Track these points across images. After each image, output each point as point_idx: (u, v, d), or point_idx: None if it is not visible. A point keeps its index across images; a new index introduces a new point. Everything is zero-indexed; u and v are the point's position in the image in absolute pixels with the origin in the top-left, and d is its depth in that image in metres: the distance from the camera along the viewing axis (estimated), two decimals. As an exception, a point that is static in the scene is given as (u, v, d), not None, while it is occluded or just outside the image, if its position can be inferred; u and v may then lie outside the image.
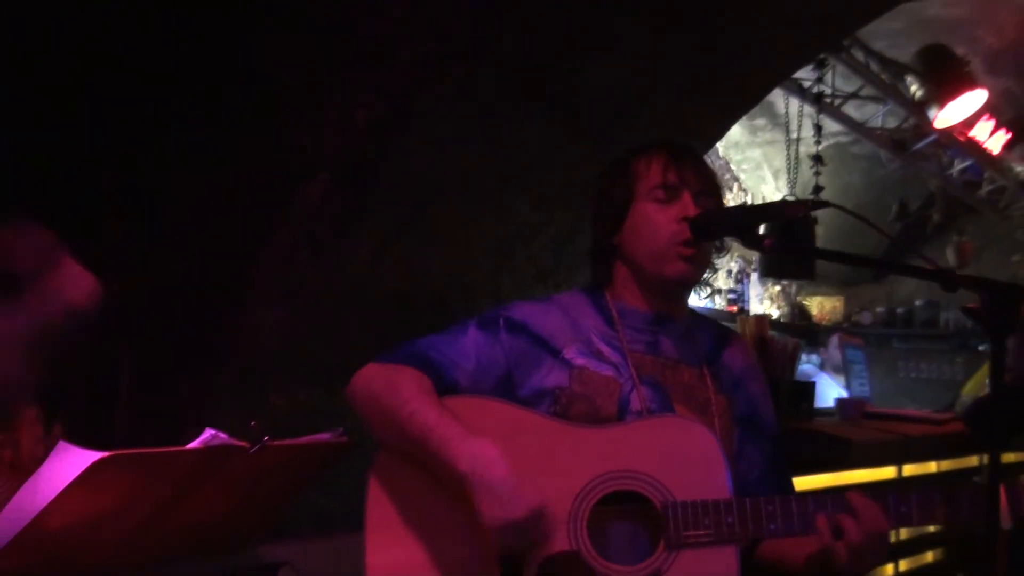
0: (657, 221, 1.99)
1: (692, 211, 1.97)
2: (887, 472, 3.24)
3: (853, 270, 8.27)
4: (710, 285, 2.13)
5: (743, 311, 7.37)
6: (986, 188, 7.10)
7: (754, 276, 8.16)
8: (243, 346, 2.95)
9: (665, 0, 2.95)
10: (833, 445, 3.06)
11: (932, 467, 3.41)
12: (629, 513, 1.84)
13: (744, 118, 7.30)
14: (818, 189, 4.95)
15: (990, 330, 1.47)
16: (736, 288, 7.85)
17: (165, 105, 2.78)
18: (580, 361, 1.98)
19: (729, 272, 7.23)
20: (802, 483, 2.89)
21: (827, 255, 1.96)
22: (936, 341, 8.08)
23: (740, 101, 3.57)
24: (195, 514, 1.84)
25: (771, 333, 3.27)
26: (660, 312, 2.05)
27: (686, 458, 1.84)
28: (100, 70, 2.84)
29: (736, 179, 7.96)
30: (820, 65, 4.81)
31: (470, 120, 2.98)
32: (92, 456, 1.57)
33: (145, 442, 2.46)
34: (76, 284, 0.76)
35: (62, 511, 1.61)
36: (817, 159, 5.07)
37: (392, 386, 1.88)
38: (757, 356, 2.41)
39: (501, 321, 2.01)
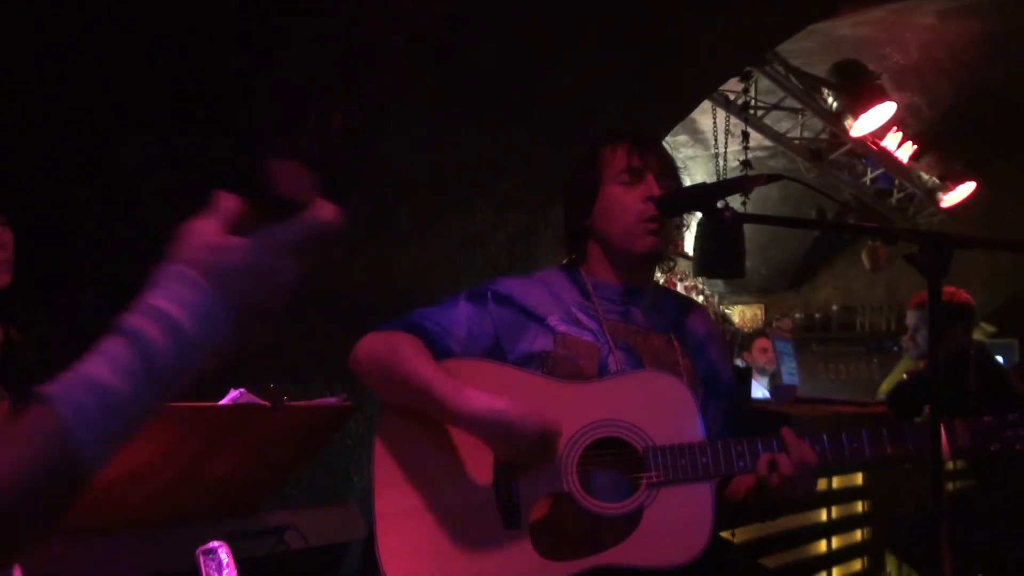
0: (625, 202, 2.22)
1: (656, 191, 2.20)
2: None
3: (771, 279, 8.68)
4: (673, 260, 2.33)
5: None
6: (896, 196, 7.57)
7: (679, 286, 8.50)
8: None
9: (615, 21, 3.22)
10: (773, 420, 3.33)
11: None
12: (614, 457, 2.06)
13: (667, 135, 7.68)
14: (745, 202, 5.31)
15: (926, 274, 1.73)
16: (664, 298, 8.15)
17: (153, 110, 2.95)
18: (562, 328, 2.20)
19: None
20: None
21: (782, 222, 2.21)
22: (853, 344, 8.52)
23: (681, 106, 3.87)
24: (221, 471, 2.01)
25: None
26: (630, 285, 2.28)
27: (663, 407, 2.07)
28: (86, 79, 3.00)
29: (685, 170, 8.33)
30: (746, 78, 5.14)
31: (440, 126, 3.20)
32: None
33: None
34: (326, 208, 0.97)
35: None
36: (746, 164, 5.41)
37: (393, 348, 2.07)
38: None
39: (489, 294, 2.22)
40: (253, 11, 2.86)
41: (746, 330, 9.01)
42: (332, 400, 2.15)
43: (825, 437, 2.06)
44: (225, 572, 1.90)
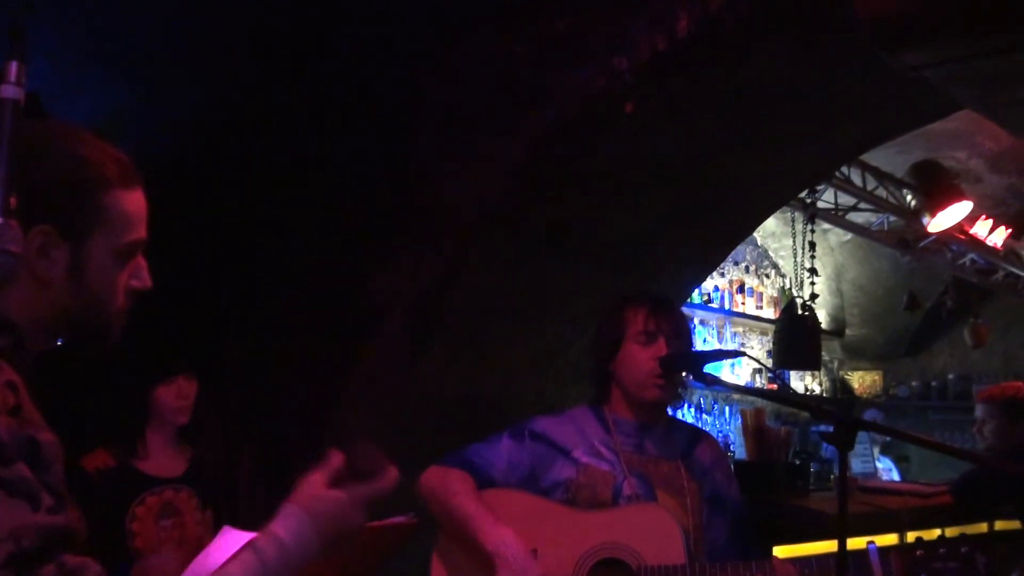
0: (639, 359, 2.76)
1: (664, 351, 2.74)
2: (859, 542, 3.85)
3: (887, 346, 8.89)
4: (681, 399, 2.83)
5: (784, 386, 8.03)
6: (1001, 272, 7.70)
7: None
8: (340, 444, 3.77)
9: (663, 167, 3.75)
10: (812, 518, 3.73)
11: (893, 538, 4.02)
12: (614, 574, 2.59)
13: (779, 213, 8.04)
14: (813, 297, 5.67)
15: (837, 445, 2.21)
16: (778, 366, 8.49)
17: (270, 258, 3.68)
18: (585, 459, 2.76)
19: (769, 353, 7.90)
20: (787, 551, 3.54)
21: (716, 382, 2.68)
22: (970, 412, 8.53)
23: (736, 232, 4.35)
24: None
25: (768, 424, 3.98)
26: (644, 422, 2.81)
27: (654, 535, 2.59)
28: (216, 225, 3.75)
29: (775, 265, 8.68)
30: (811, 191, 5.53)
31: (514, 263, 3.80)
32: (248, 536, 2.38)
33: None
34: (391, 476, 1.60)
35: None
36: (812, 271, 5.78)
37: (444, 484, 2.69)
38: (753, 442, 3.21)
39: (526, 432, 2.80)
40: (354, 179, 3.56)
41: (864, 395, 9.24)
42: (400, 519, 2.75)
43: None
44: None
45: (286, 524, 1.49)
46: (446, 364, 3.90)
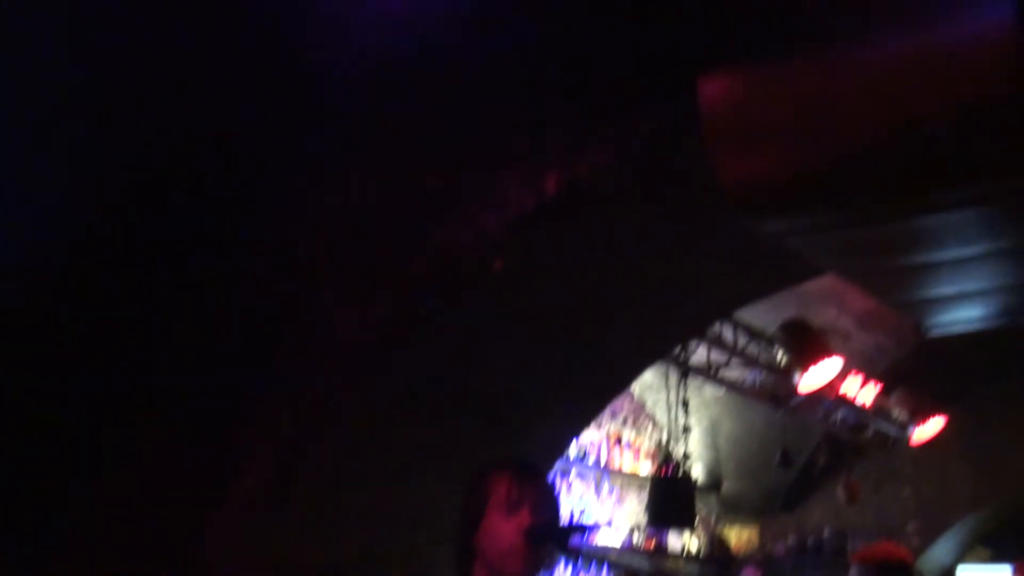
0: (503, 530, 2.61)
1: (529, 521, 2.59)
2: None
3: (763, 499, 8.90)
4: (564, 556, 2.74)
5: (660, 546, 7.92)
6: (872, 429, 7.85)
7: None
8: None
9: (534, 321, 3.68)
10: None
11: None
12: None
13: (655, 366, 8.08)
14: (686, 457, 5.66)
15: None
16: (656, 522, 8.37)
17: (104, 400, 3.43)
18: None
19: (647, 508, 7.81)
20: None
21: (581, 555, 2.56)
22: (847, 570, 8.54)
23: (609, 388, 4.29)
24: None
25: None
26: (508, 603, 2.63)
27: None
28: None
29: (651, 417, 8.68)
30: (683, 347, 5.58)
31: (380, 418, 3.63)
32: None
33: None
34: None
35: None
36: (686, 430, 5.78)
37: None
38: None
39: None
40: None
41: (742, 553, 9.17)
42: None
43: None
44: None
45: None
46: (304, 527, 3.65)
